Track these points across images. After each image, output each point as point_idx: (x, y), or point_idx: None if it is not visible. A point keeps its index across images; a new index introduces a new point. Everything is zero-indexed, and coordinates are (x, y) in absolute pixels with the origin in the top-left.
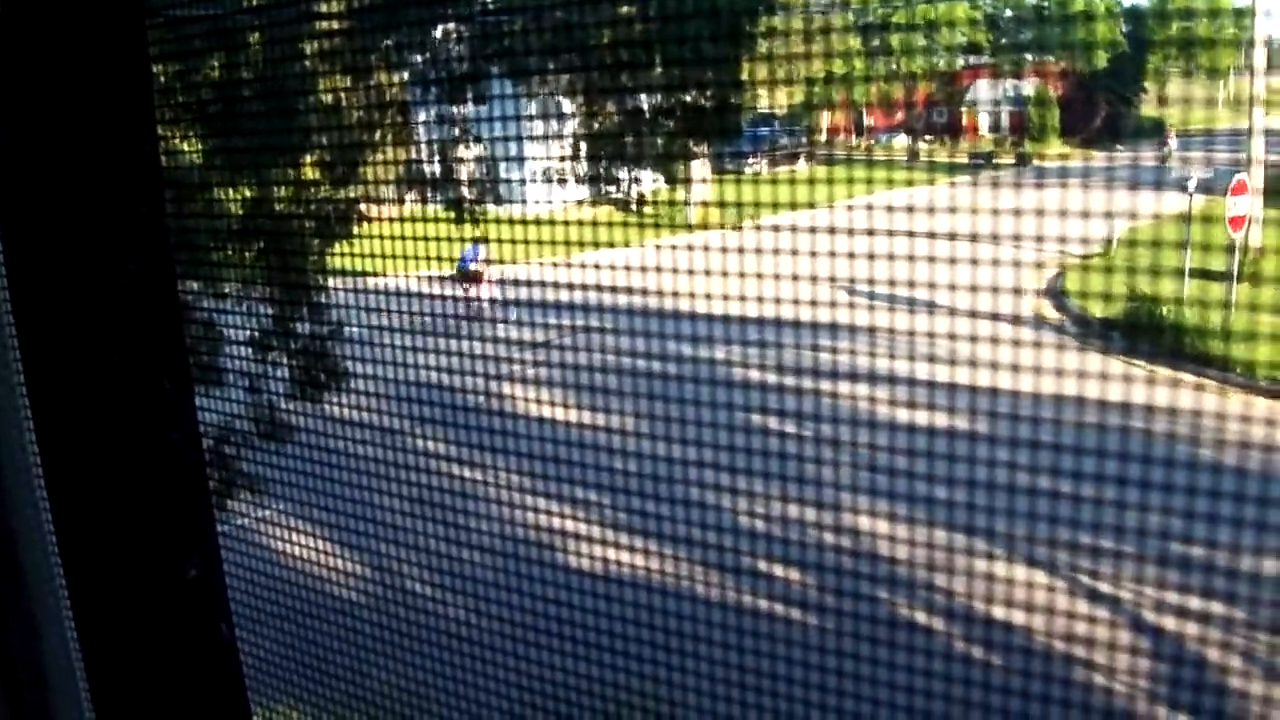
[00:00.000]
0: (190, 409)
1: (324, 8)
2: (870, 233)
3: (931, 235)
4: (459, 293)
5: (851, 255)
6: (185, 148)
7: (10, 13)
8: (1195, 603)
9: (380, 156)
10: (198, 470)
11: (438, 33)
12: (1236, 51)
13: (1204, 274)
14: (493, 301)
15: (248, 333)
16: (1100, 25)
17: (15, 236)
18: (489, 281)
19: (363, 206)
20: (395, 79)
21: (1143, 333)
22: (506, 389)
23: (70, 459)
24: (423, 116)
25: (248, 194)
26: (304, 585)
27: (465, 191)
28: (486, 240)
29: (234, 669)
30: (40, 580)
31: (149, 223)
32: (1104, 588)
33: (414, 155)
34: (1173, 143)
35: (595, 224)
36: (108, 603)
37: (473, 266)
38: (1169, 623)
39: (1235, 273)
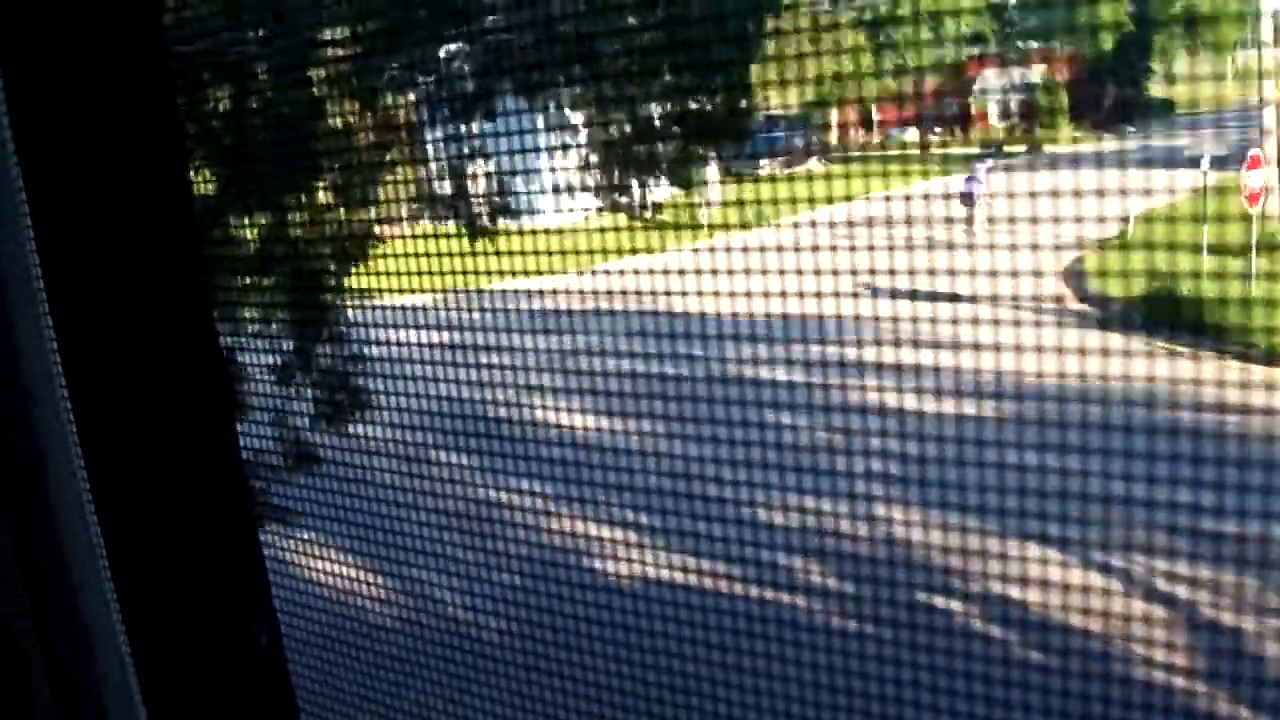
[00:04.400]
0: (233, 430)
1: (328, 34)
2: (888, 224)
3: (949, 221)
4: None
5: (871, 248)
6: (196, 179)
7: (44, 46)
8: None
9: (392, 178)
10: (240, 485)
11: (444, 52)
12: (1243, 25)
13: (1222, 250)
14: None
15: (271, 363)
16: (1104, 7)
17: (54, 263)
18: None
19: (377, 229)
20: (403, 101)
21: (1163, 312)
22: (538, 400)
23: (114, 473)
24: (432, 136)
25: (261, 224)
26: (338, 611)
27: (478, 208)
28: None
29: (281, 675)
30: (91, 594)
31: (182, 248)
32: (1132, 567)
33: (426, 175)
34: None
35: (610, 232)
36: (155, 610)
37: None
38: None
39: (1254, 246)
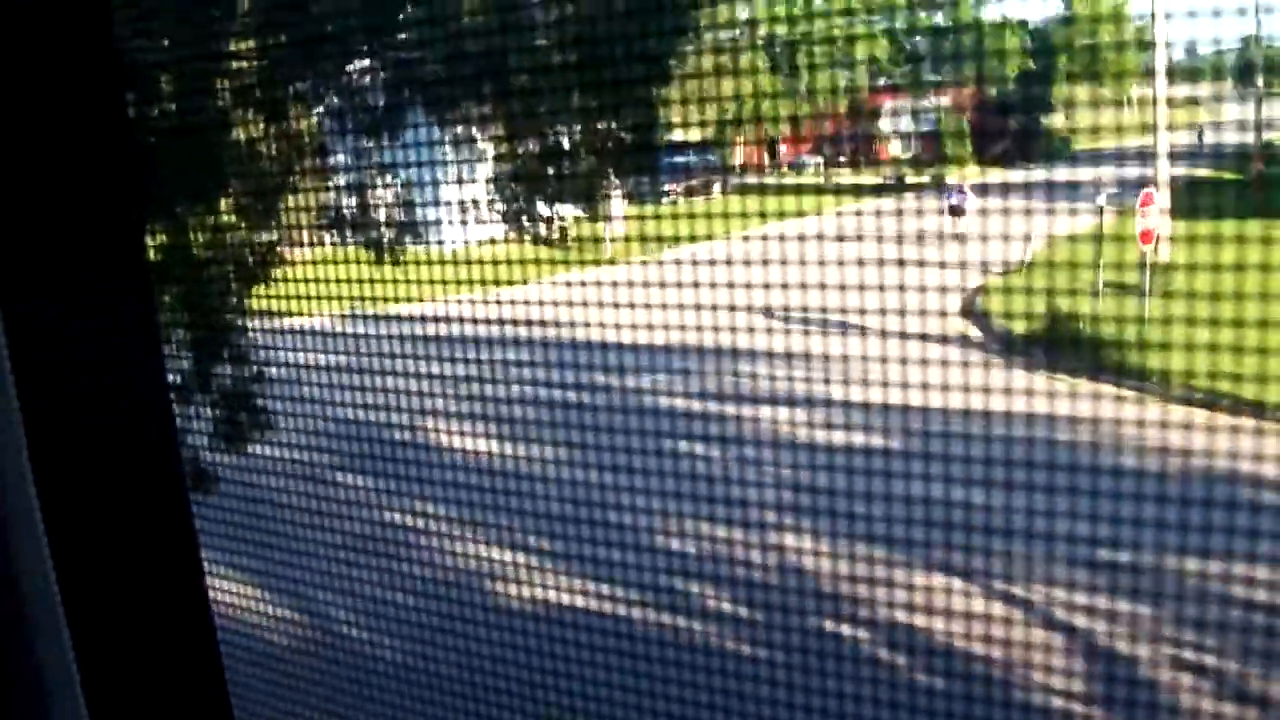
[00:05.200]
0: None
1: (236, 47)
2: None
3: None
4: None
5: (767, 286)
6: None
7: None
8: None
9: (297, 197)
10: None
11: (354, 70)
12: (1140, 73)
13: (1118, 286)
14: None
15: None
16: (1008, 44)
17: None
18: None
19: (281, 247)
20: (311, 118)
21: (1062, 347)
22: (433, 424)
23: (62, 467)
24: (340, 155)
25: (161, 238)
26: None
27: (384, 230)
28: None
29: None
30: (36, 587)
31: (129, 250)
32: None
33: (331, 195)
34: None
35: (513, 261)
36: (100, 605)
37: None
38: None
39: (1147, 285)
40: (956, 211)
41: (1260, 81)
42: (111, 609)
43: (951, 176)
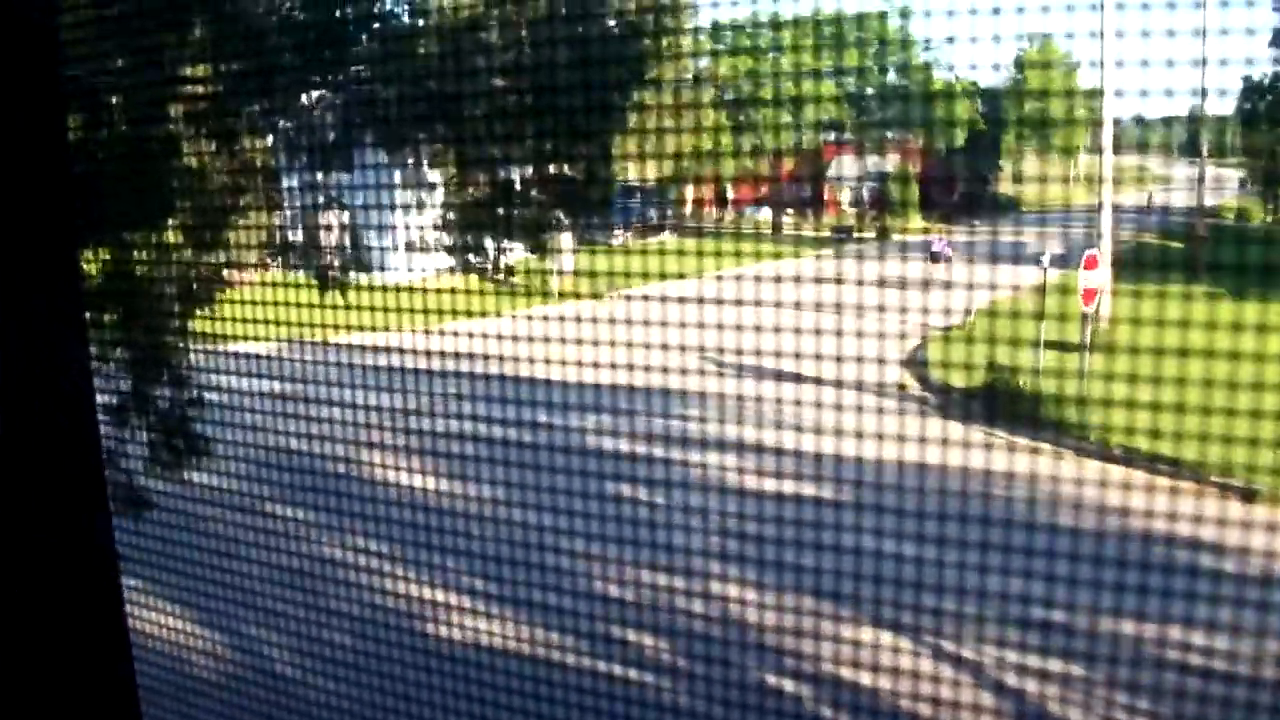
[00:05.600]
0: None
1: (190, 71)
2: (738, 302)
3: (797, 305)
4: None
5: (720, 326)
6: None
7: None
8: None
9: (245, 222)
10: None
11: (307, 99)
12: (1086, 132)
13: (1060, 345)
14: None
15: (106, 403)
16: (958, 105)
17: None
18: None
19: (226, 272)
20: (261, 145)
21: (1001, 403)
22: (372, 457)
23: None
24: (290, 183)
25: (105, 257)
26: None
27: (331, 259)
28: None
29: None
30: None
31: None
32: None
33: (279, 222)
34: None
35: (461, 293)
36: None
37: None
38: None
39: (1088, 344)
40: (937, 259)
41: (1203, 150)
42: (22, 625)
43: (898, 231)
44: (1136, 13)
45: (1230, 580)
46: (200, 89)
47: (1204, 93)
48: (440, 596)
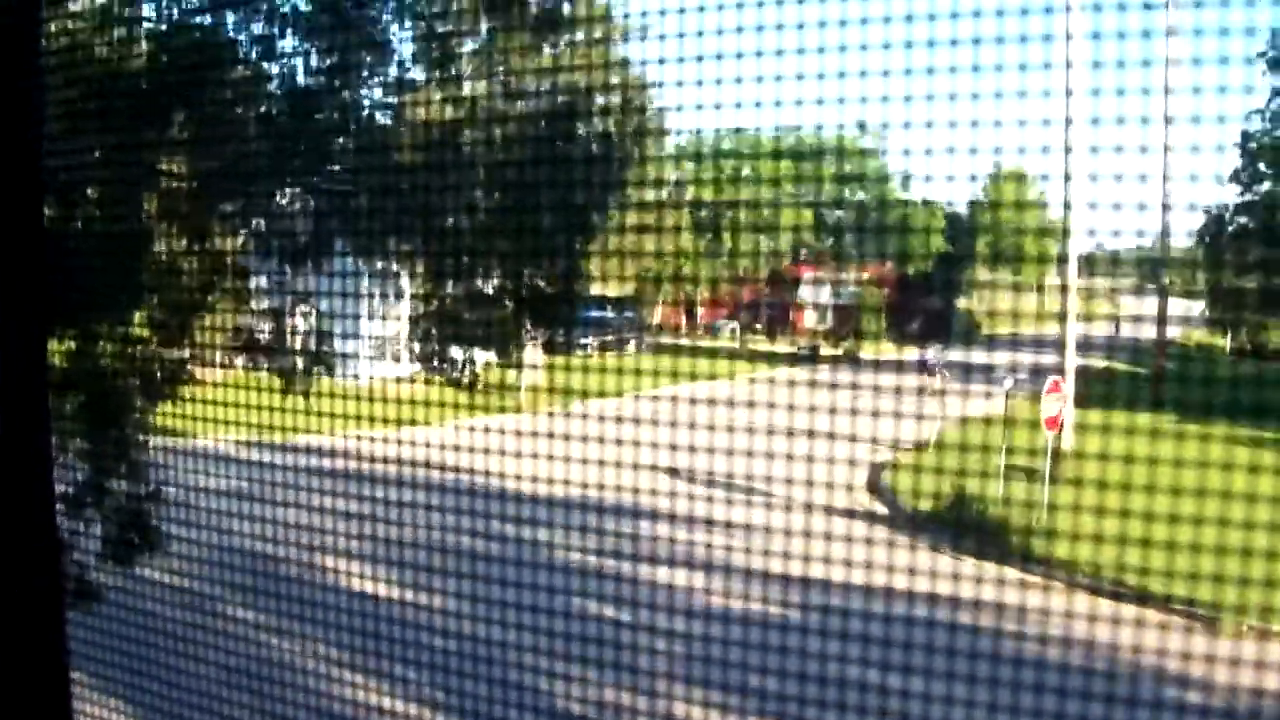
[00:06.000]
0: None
1: (166, 166)
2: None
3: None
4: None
5: (674, 447)
6: None
7: None
8: None
9: (213, 318)
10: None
11: (281, 199)
12: (1051, 263)
13: (1022, 470)
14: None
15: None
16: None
17: None
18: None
19: (191, 366)
20: (233, 242)
21: (963, 528)
22: (328, 561)
23: None
24: (259, 281)
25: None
26: None
27: (297, 360)
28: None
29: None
30: None
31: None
32: None
33: (247, 319)
34: (936, 362)
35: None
36: None
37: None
38: None
39: (1049, 471)
40: (932, 371)
41: (1165, 279)
42: None
43: (865, 352)
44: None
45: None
46: (176, 184)
47: (1167, 229)
48: (388, 704)
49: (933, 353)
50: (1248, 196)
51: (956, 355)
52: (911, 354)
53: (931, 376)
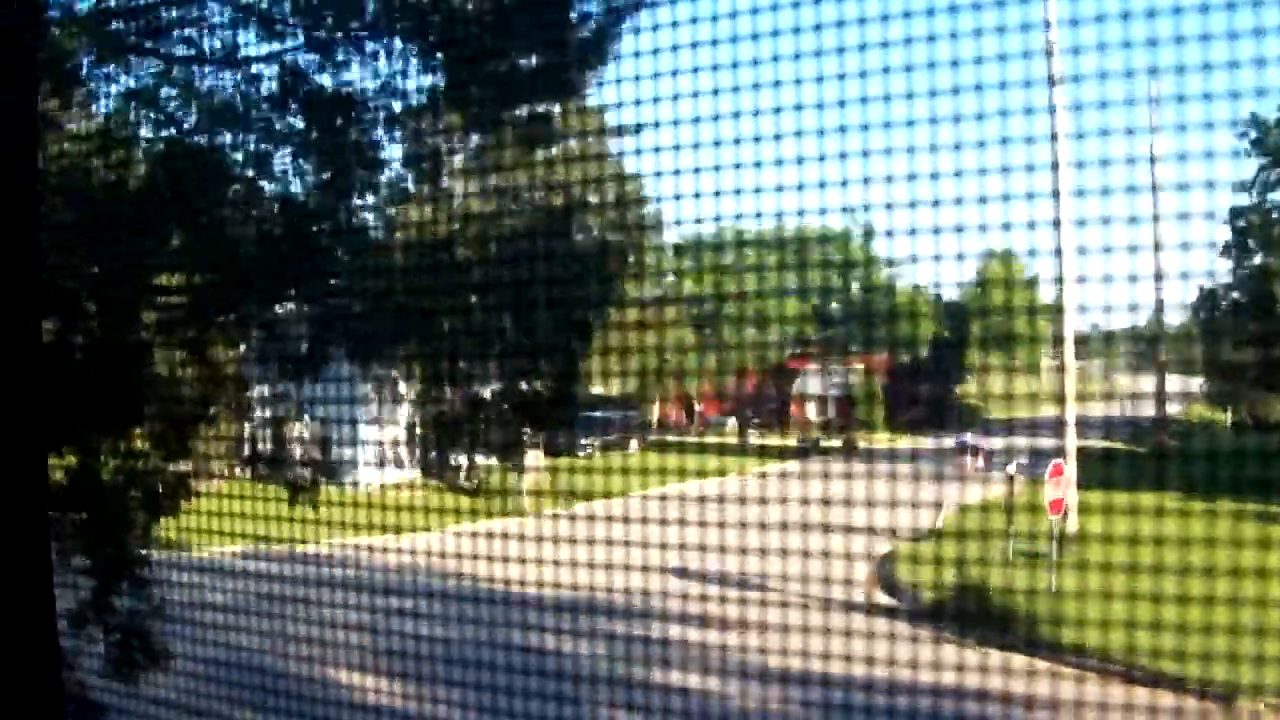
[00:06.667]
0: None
1: (162, 280)
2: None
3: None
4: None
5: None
6: None
7: None
8: None
9: (213, 430)
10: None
11: (279, 310)
12: (1049, 344)
13: (1029, 555)
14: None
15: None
16: (921, 320)
17: None
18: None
19: (192, 480)
20: (232, 354)
21: (972, 617)
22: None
23: None
24: (259, 392)
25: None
26: None
27: (299, 470)
28: None
29: None
30: None
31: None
32: None
33: (248, 431)
34: (976, 444)
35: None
36: None
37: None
38: None
39: (1055, 555)
40: (974, 452)
41: (1165, 354)
42: None
43: (863, 441)
44: (1097, 227)
45: None
46: (173, 298)
47: (1163, 305)
48: None
49: (971, 435)
50: (1240, 271)
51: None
52: (906, 443)
53: (974, 458)
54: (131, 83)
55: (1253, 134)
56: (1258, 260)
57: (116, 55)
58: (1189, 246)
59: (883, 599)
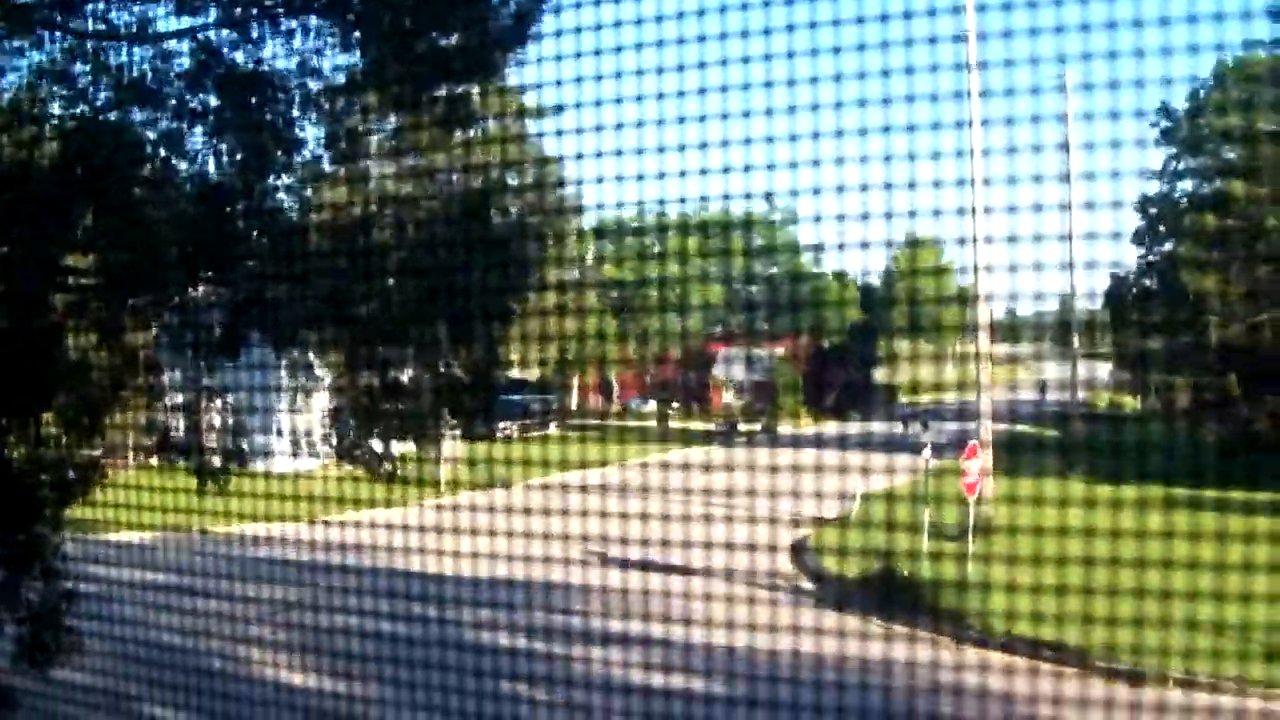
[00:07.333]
0: None
1: (74, 261)
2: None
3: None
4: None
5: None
6: None
7: None
8: None
9: (124, 412)
10: None
11: (193, 292)
12: (963, 329)
13: (941, 534)
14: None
15: None
16: (839, 304)
17: None
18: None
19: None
20: (145, 336)
21: (884, 592)
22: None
23: None
24: (171, 374)
25: None
26: None
27: (210, 455)
28: None
29: None
30: None
31: None
32: None
33: (160, 413)
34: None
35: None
36: None
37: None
38: None
39: (970, 529)
40: (913, 419)
41: (1076, 341)
42: None
43: (784, 425)
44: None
45: None
46: (84, 279)
47: (1073, 292)
48: None
49: (910, 409)
50: (1150, 258)
51: (869, 424)
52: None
53: (917, 424)
54: (41, 59)
55: (1163, 124)
56: (1167, 248)
57: (27, 30)
58: (1095, 236)
59: (796, 574)
